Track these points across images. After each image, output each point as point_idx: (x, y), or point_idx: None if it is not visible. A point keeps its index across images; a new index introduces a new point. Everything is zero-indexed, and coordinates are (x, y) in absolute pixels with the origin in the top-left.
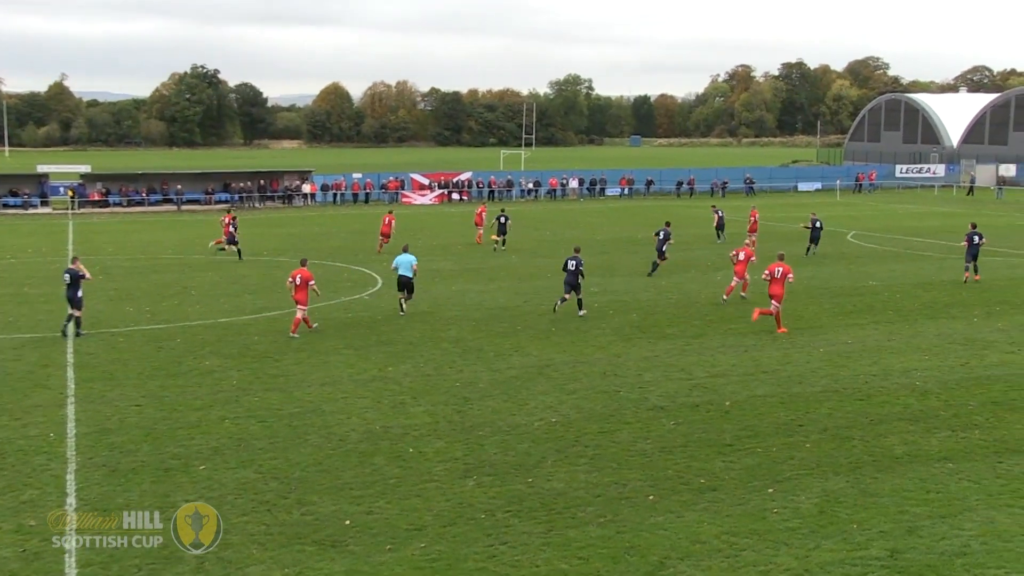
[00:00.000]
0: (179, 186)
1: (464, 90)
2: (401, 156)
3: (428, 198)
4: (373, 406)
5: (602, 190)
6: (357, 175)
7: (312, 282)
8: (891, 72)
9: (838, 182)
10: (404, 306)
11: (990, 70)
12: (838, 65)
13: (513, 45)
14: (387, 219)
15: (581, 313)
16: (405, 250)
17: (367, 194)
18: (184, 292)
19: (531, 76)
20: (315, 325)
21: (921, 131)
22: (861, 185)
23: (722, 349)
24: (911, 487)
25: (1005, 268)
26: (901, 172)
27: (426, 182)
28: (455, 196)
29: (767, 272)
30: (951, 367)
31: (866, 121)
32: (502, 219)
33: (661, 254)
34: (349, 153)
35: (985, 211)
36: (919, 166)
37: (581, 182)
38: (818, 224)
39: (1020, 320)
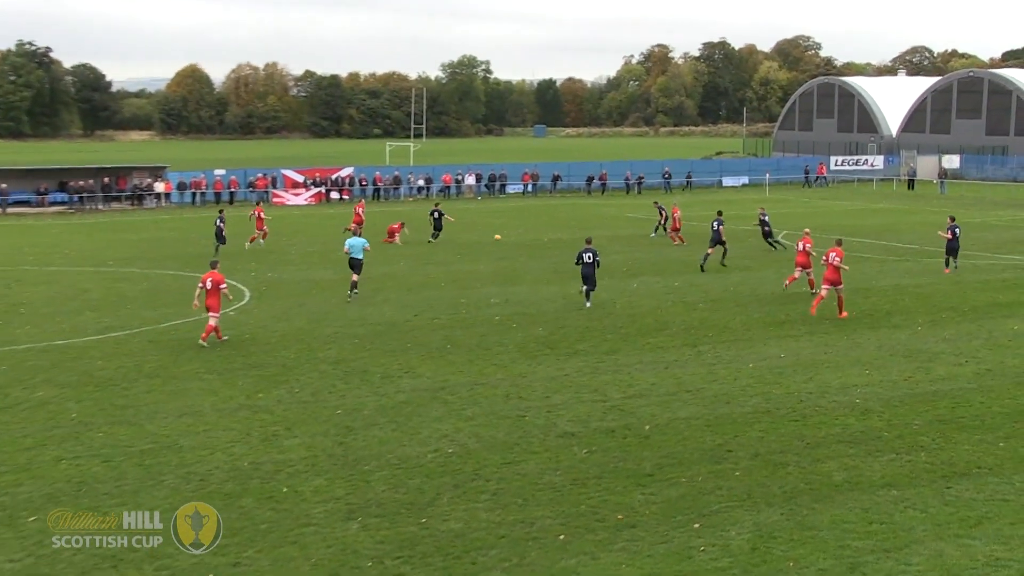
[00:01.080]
0: (3, 185)
1: (344, 73)
2: (272, 149)
3: (303, 198)
4: (240, 439)
5: (502, 187)
6: (220, 172)
7: (224, 286)
8: (823, 53)
9: (767, 176)
10: (354, 290)
11: (930, 51)
12: (765, 45)
13: (400, 22)
14: (359, 208)
15: (587, 305)
16: (358, 234)
17: (232, 193)
18: (11, 310)
19: (421, 58)
20: (225, 337)
21: (857, 118)
22: (816, 178)
23: (640, 366)
24: (852, 518)
25: (951, 272)
26: (836, 164)
27: (301, 179)
28: (334, 195)
29: (824, 258)
30: (894, 382)
31: (797, 107)
32: (435, 214)
33: (719, 242)
34: (210, 146)
35: (927, 208)
36: (856, 157)
37: (479, 178)
38: (765, 218)
39: (968, 329)
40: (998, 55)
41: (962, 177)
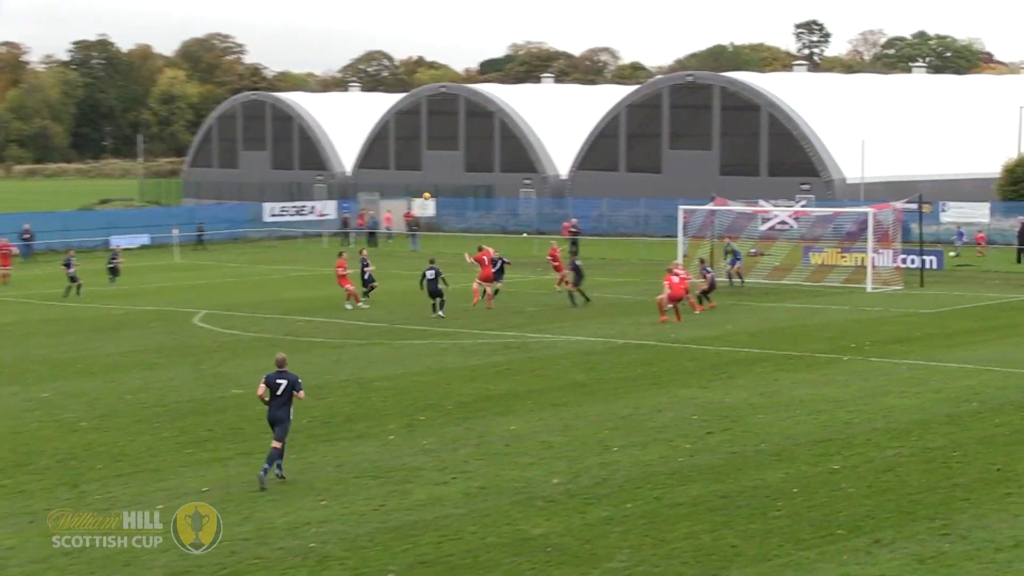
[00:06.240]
0: None
1: None
2: None
3: None
4: None
5: None
6: None
7: None
8: (249, 59)
9: (175, 232)
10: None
11: (390, 58)
12: (165, 46)
13: None
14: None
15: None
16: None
17: None
18: None
19: None
20: None
21: (299, 150)
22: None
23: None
24: None
25: (429, 356)
26: (272, 215)
27: None
28: None
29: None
30: (360, 514)
31: (215, 135)
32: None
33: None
34: None
35: (397, 269)
36: (299, 204)
37: None
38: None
39: (453, 433)
40: (474, 65)
41: (440, 228)
